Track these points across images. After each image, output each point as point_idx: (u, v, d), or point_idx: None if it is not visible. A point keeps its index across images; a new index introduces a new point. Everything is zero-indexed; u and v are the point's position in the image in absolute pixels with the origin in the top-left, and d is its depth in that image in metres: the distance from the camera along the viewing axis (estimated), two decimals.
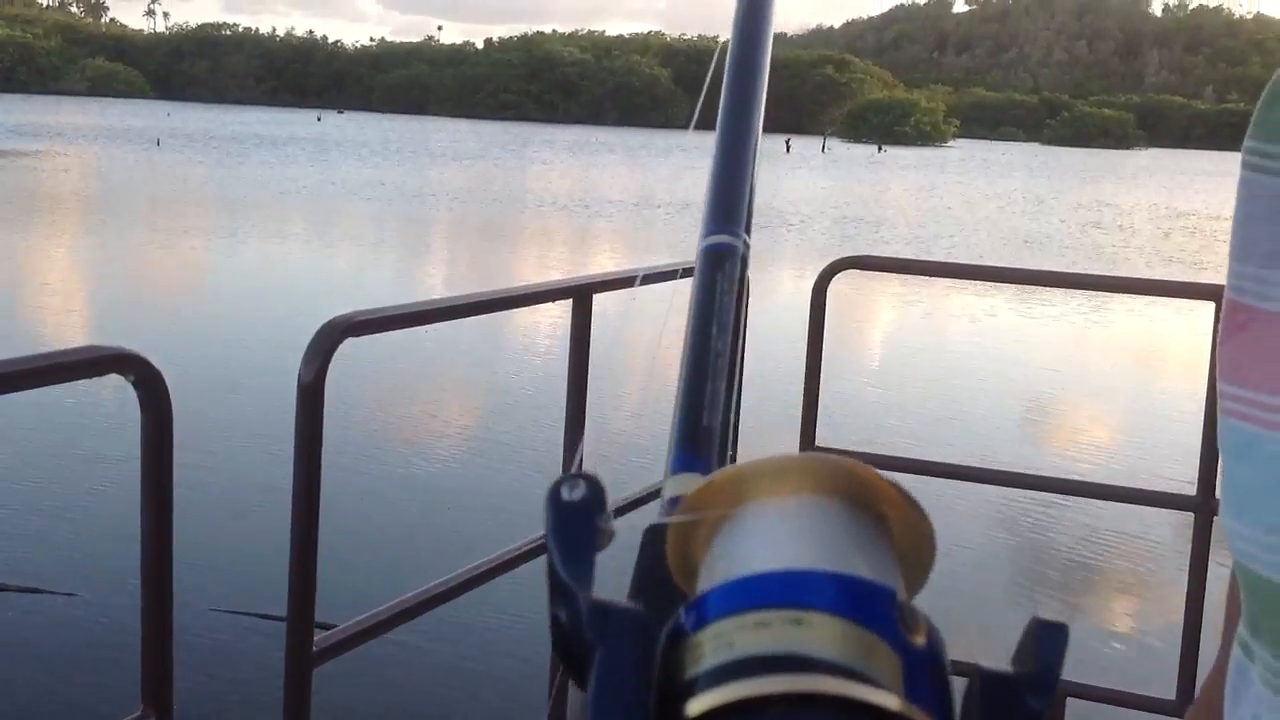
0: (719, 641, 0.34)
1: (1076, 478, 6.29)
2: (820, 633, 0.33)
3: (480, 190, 37.49)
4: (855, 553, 0.37)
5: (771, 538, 0.38)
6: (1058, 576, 7.09)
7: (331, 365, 2.17)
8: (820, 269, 3.65)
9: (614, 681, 0.33)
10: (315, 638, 2.16)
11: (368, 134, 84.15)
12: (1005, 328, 15.67)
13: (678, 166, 58.48)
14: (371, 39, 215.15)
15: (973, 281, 15.93)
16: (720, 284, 0.54)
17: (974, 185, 55.10)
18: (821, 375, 3.63)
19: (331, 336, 2.19)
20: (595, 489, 0.38)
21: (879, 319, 16.45)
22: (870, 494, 0.37)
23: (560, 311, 3.19)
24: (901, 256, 4.72)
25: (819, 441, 3.65)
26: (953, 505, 6.56)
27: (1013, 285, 14.27)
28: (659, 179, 47.94)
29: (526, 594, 4.11)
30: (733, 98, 0.63)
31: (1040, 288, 14.81)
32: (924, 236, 28.42)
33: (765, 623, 0.34)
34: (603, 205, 34.52)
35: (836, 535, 0.37)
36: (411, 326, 2.51)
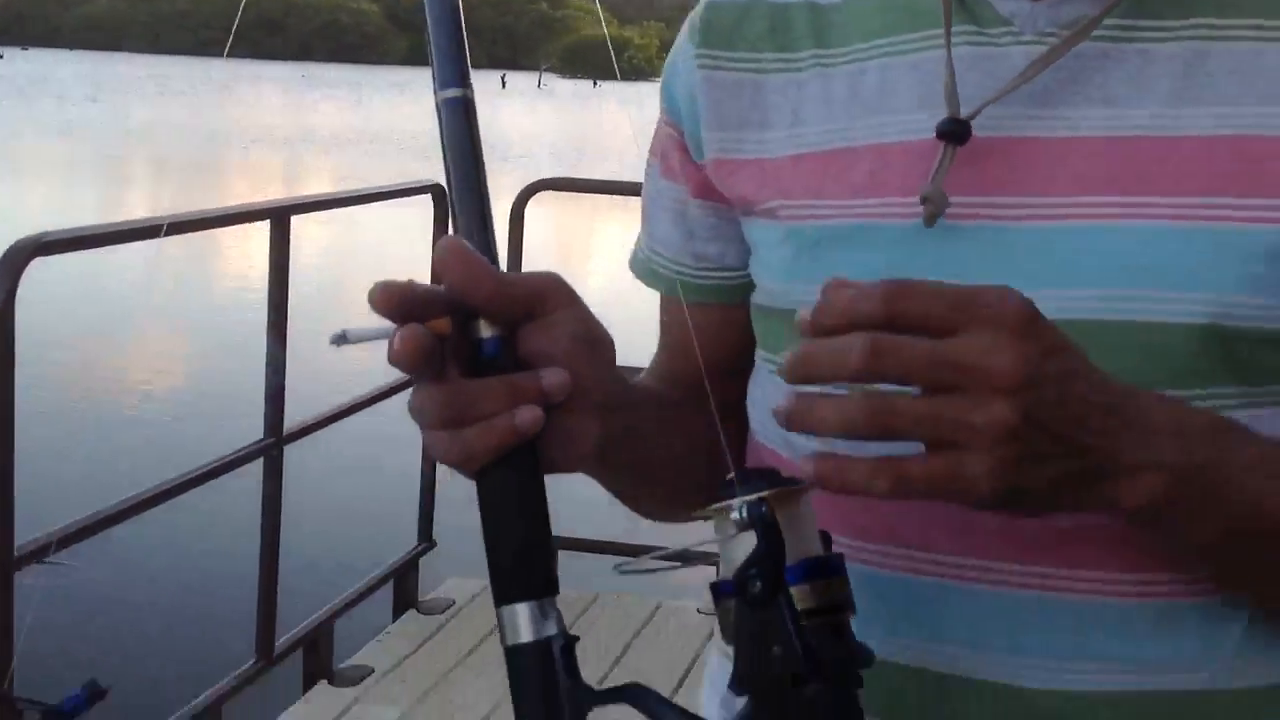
0: None
1: None
2: None
3: (185, 127, 35.87)
4: None
5: None
6: None
7: (30, 289, 2.22)
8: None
9: None
10: (16, 544, 2.23)
11: (60, 71, 78.80)
12: None
13: (391, 102, 57.38)
14: None
15: None
16: (471, 133, 0.68)
17: None
18: None
19: (20, 256, 2.24)
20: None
21: (575, 238, 16.85)
22: None
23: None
24: (595, 178, 4.91)
25: None
26: None
27: None
28: (372, 113, 46.97)
29: (229, 506, 4.15)
30: None
31: None
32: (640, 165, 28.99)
33: None
34: (313, 141, 33.61)
35: None
36: (102, 246, 2.55)
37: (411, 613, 3.88)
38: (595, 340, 0.71)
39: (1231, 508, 0.68)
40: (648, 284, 0.97)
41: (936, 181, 0.76)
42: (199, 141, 31.55)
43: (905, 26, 0.82)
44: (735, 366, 0.92)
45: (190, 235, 2.97)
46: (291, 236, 3.10)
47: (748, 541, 0.63)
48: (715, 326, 0.92)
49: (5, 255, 2.24)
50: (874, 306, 0.61)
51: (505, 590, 0.66)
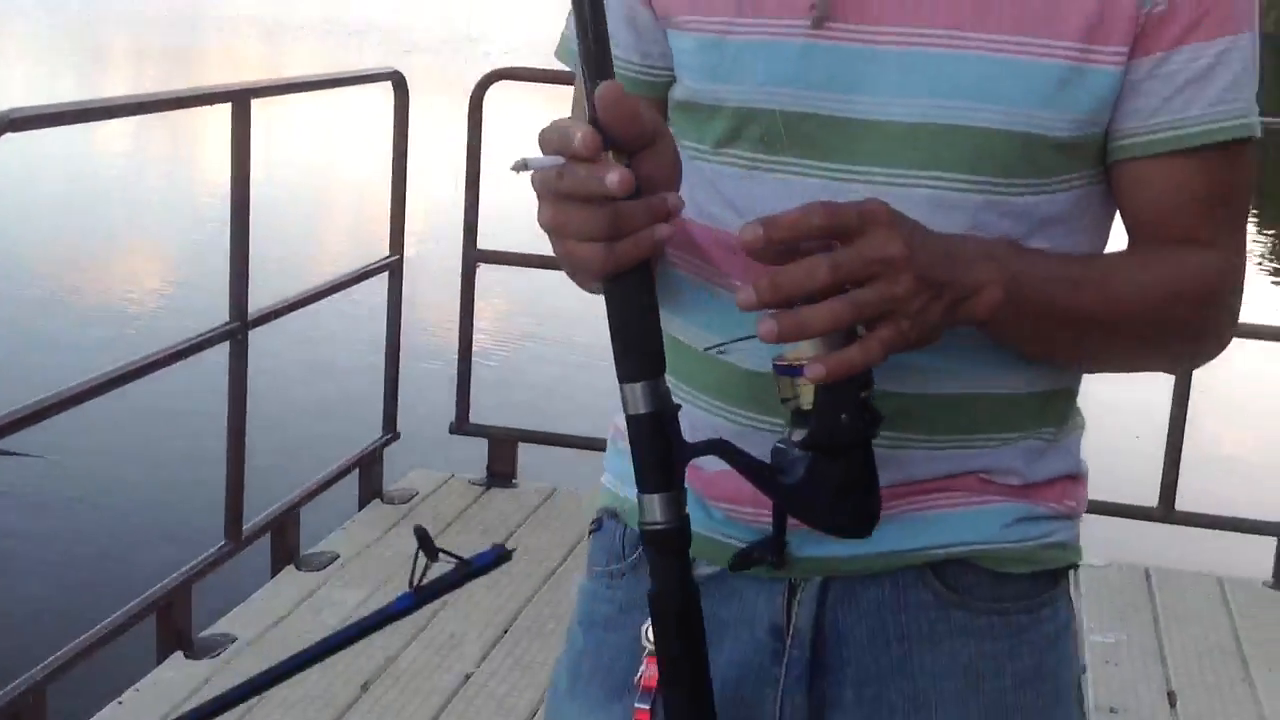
0: None
1: None
2: None
3: (150, 13, 35.15)
4: None
5: None
6: None
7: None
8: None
9: None
10: None
11: None
12: None
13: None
14: None
15: None
16: None
17: None
18: (481, 180, 3.86)
19: None
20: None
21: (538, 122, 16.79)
22: None
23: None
24: (550, 69, 4.76)
25: (480, 244, 3.91)
26: None
27: None
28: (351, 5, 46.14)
29: (198, 389, 4.17)
30: None
31: None
32: None
33: None
34: (287, 30, 33.02)
35: None
36: (67, 124, 2.55)
37: (376, 502, 3.93)
38: (678, 161, 0.94)
39: (1038, 306, 0.99)
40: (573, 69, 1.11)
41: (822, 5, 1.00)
42: (174, 29, 30.98)
43: None
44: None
45: (162, 117, 2.97)
46: (253, 122, 3.09)
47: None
48: None
49: None
50: (811, 226, 0.89)
51: (630, 372, 0.90)
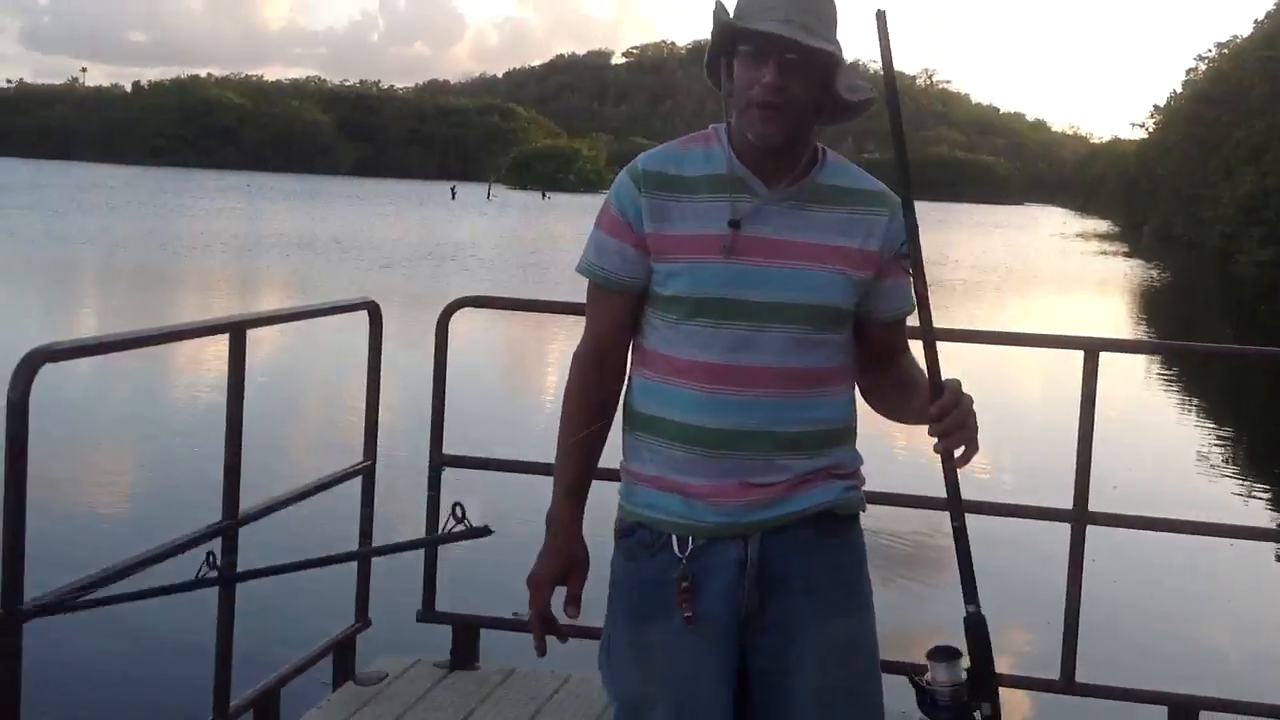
0: None
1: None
2: None
3: (139, 235, 36.28)
4: None
5: None
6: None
7: None
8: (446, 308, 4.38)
9: None
10: (27, 597, 2.69)
11: (13, 178, 79.05)
12: None
13: (340, 210, 58.07)
14: (9, 80, 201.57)
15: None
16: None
17: None
18: (446, 395, 4.36)
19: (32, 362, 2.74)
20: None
21: (505, 351, 17.39)
22: None
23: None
24: (517, 296, 5.41)
25: (446, 449, 4.38)
26: None
27: None
28: (320, 221, 47.57)
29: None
30: None
31: None
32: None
33: None
34: (266, 249, 34.12)
35: None
36: (106, 353, 3.02)
37: (349, 684, 4.31)
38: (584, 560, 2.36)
39: None
40: (592, 281, 2.33)
41: (730, 242, 2.21)
42: (146, 249, 31.93)
43: (723, 189, 2.25)
44: (629, 334, 2.33)
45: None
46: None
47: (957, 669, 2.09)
48: (626, 305, 2.31)
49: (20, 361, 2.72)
50: (964, 394, 2.09)
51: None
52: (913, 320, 2.26)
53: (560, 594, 2.31)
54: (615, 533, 2.34)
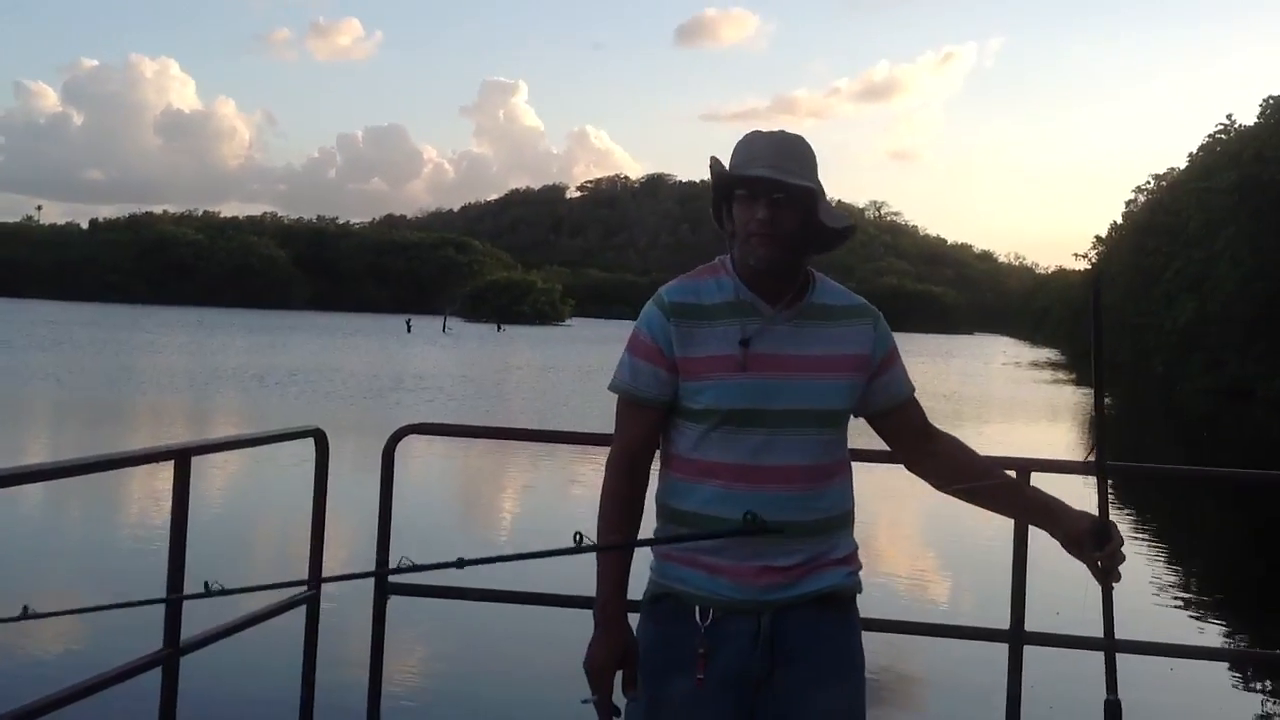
0: None
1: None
2: None
3: (87, 370, 36.04)
4: None
5: None
6: None
7: None
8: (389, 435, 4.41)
9: None
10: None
11: None
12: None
13: (297, 342, 58.02)
14: None
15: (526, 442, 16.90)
16: None
17: (588, 357, 57.68)
18: (392, 522, 4.36)
19: None
20: None
21: (456, 475, 17.32)
22: None
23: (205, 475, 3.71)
24: (461, 424, 5.47)
25: (391, 578, 4.37)
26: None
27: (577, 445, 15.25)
28: (277, 354, 47.49)
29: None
30: None
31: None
32: (541, 408, 29.73)
33: None
34: (217, 382, 33.97)
35: None
36: (45, 480, 3.01)
37: None
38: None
39: None
40: (626, 398, 2.75)
41: (744, 359, 2.66)
42: (97, 384, 31.71)
43: (735, 314, 2.70)
44: (656, 442, 2.79)
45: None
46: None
47: None
48: (656, 418, 2.75)
49: None
50: (1119, 536, 2.67)
51: None
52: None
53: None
54: (644, 600, 2.77)
